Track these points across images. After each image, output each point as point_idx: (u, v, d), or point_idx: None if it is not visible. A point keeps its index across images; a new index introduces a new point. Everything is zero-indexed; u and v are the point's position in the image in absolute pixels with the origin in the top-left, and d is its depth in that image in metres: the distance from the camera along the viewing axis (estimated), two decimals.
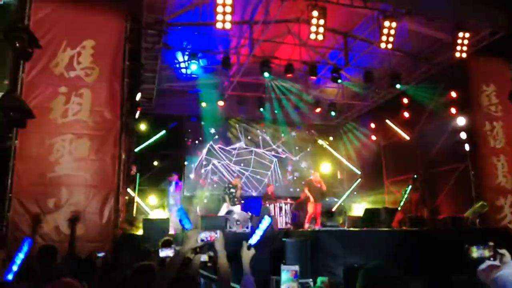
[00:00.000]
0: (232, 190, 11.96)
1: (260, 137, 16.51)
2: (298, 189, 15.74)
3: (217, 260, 3.13)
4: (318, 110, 15.03)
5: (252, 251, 3.26)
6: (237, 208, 11.72)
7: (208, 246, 3.24)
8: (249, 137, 16.39)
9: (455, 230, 9.29)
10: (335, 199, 13.71)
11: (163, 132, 14.54)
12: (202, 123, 15.39)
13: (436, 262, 7.07)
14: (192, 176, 15.34)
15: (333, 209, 13.23)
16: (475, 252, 2.68)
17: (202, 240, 3.09)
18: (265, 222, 3.21)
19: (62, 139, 7.30)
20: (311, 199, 12.01)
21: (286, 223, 13.74)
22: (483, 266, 2.05)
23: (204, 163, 15.59)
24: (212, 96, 14.16)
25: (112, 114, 7.69)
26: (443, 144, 12.21)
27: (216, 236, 3.12)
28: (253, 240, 3.18)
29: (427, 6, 9.57)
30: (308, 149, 17.04)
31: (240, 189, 12.20)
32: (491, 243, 2.70)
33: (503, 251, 2.44)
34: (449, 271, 6.30)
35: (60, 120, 7.38)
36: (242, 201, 12.10)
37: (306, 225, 11.54)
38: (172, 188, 12.04)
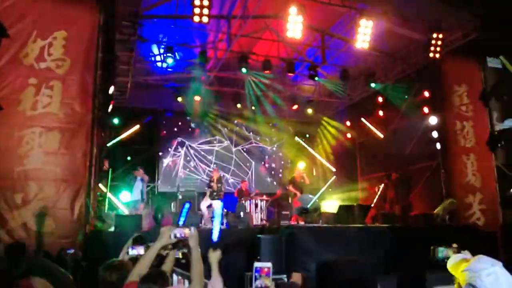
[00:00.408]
0: (211, 183, 11.75)
1: (235, 133, 16.48)
2: (275, 184, 15.93)
3: (190, 257, 3.09)
4: (295, 107, 15.06)
5: (218, 252, 3.28)
6: (216, 203, 11.50)
7: (182, 242, 3.20)
8: (225, 133, 16.31)
9: (426, 227, 9.43)
10: (310, 196, 13.61)
11: (137, 126, 14.29)
12: (178, 118, 15.23)
13: (408, 259, 7.13)
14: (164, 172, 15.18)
15: (308, 206, 13.16)
16: (440, 253, 2.81)
17: (175, 237, 3.04)
18: (217, 207, 3.18)
19: (31, 132, 7.05)
20: (298, 194, 12.03)
21: (261, 219, 13.53)
22: (452, 260, 2.07)
23: (178, 158, 15.40)
24: (189, 91, 13.95)
25: (83, 107, 7.47)
26: (416, 143, 12.39)
27: (190, 233, 3.07)
28: (215, 236, 3.16)
29: (403, 7, 9.69)
30: (284, 146, 17.09)
31: (217, 182, 11.95)
32: (455, 245, 2.79)
33: (466, 252, 2.50)
34: (422, 267, 6.45)
35: (29, 112, 7.12)
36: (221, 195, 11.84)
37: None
38: (138, 183, 11.78)
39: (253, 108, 14.94)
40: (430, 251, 2.83)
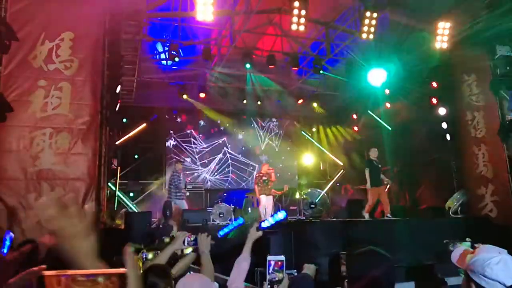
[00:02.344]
0: (264, 178, 11.35)
1: (243, 131, 16.42)
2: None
3: (202, 260, 3.23)
4: (300, 101, 14.99)
5: (260, 233, 3.25)
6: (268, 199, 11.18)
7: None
8: (234, 130, 16.27)
9: (437, 220, 9.41)
10: (319, 190, 13.62)
11: (144, 125, 14.31)
12: (183, 115, 15.31)
13: (419, 251, 7.15)
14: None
15: (316, 200, 13.18)
16: (454, 248, 2.75)
17: (188, 243, 3.20)
18: (280, 214, 3.24)
19: (42, 133, 7.13)
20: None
21: (271, 215, 13.70)
22: (456, 252, 2.07)
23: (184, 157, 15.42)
24: (193, 88, 13.99)
25: (92, 107, 7.53)
26: (425, 135, 12.22)
27: (199, 239, 3.24)
28: (265, 224, 3.22)
29: None
30: (291, 141, 16.99)
31: (267, 177, 11.31)
32: (468, 239, 2.78)
33: (479, 245, 2.50)
34: (432, 260, 6.47)
35: (39, 114, 7.19)
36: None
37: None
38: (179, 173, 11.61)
39: (258, 103, 14.84)
40: (442, 245, 2.81)
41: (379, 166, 10.07)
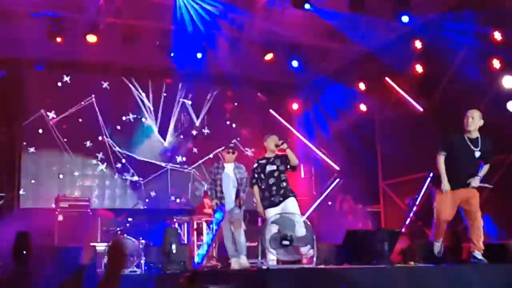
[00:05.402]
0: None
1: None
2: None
3: None
4: (269, 56, 10.86)
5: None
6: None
7: None
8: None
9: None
10: (295, 215, 9.36)
11: None
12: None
13: None
14: None
15: (292, 233, 9.11)
16: None
17: None
18: None
19: None
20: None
21: (210, 256, 9.22)
22: None
23: None
24: (76, 25, 9.74)
25: None
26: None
27: None
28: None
29: None
30: (252, 123, 12.74)
31: None
32: None
33: None
34: None
35: None
36: None
37: None
38: None
39: (199, 58, 10.55)
40: None
41: (473, 149, 6.20)
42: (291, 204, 6.53)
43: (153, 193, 11.57)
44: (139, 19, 9.71)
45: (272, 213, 6.46)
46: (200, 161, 11.79)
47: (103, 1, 9.22)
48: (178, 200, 11.38)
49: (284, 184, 6.57)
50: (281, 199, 6.51)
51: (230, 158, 7.21)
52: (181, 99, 12.06)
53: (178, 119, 12.00)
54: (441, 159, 6.01)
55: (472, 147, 5.92)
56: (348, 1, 8.96)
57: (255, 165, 6.81)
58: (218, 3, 9.28)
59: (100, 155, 11.05)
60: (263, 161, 6.74)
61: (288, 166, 6.43)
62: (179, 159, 11.73)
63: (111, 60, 10.96)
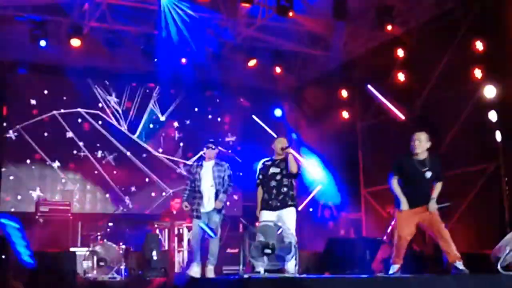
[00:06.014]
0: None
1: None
2: None
3: None
4: (252, 62, 10.89)
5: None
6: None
7: None
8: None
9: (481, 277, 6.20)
10: (275, 223, 8.85)
11: None
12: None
13: None
14: None
15: (273, 241, 8.85)
16: None
17: None
18: None
19: None
20: None
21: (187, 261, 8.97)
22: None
23: None
24: (60, 29, 9.83)
25: None
26: (461, 129, 9.50)
27: None
28: None
29: None
30: (235, 128, 12.77)
31: None
32: None
33: None
34: None
35: None
36: None
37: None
38: None
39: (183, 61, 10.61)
40: None
41: (423, 170, 6.37)
42: (288, 217, 6.15)
43: (134, 198, 11.45)
44: (123, 24, 9.73)
45: (266, 216, 6.15)
46: (182, 166, 11.69)
47: (87, 4, 9.29)
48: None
49: (285, 189, 6.20)
50: (279, 204, 6.13)
51: (210, 154, 6.68)
52: (155, 103, 11.98)
53: (162, 125, 11.90)
54: (394, 182, 6.21)
55: (421, 168, 6.10)
56: (332, 8, 9.07)
57: (260, 166, 6.43)
58: (202, 9, 9.33)
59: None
60: (269, 162, 6.43)
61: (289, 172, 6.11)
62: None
63: (95, 64, 10.87)
